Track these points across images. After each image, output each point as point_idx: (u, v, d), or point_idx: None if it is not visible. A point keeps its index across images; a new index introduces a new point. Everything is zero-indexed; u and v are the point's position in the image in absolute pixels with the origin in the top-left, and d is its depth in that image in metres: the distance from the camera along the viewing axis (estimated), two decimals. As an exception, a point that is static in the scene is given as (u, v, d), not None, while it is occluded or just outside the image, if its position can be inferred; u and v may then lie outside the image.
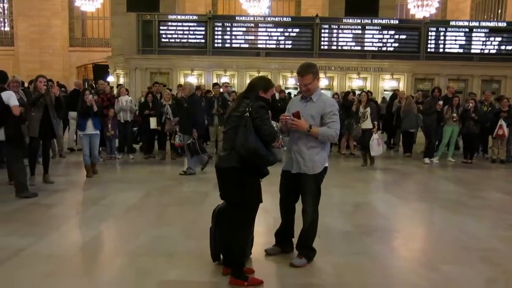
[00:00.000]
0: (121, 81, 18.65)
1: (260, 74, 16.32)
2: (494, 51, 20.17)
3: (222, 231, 3.71)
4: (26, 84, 8.51)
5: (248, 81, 19.16)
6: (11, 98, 6.19)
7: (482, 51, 20.16)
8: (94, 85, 13.12)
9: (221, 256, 3.83)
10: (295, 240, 4.14)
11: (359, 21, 19.76)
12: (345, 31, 19.85)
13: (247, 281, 3.50)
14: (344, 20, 19.78)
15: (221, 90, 10.63)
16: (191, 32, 19.56)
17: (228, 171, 3.45)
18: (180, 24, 19.49)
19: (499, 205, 6.71)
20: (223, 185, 3.59)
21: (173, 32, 19.52)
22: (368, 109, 9.31)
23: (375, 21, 19.94)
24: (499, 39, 20.17)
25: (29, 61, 27.68)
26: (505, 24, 20.91)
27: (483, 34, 20.21)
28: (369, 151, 9.16)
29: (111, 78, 19.71)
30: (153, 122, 9.73)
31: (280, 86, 13.85)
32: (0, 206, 5.77)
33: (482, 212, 6.15)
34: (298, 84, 4.13)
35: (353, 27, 19.80)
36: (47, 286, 3.46)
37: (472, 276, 3.81)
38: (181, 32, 19.56)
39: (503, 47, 20.18)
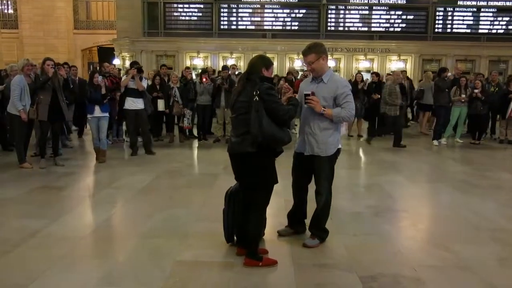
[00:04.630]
0: (127, 64, 18.60)
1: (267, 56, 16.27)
2: (501, 31, 19.97)
3: (237, 212, 3.74)
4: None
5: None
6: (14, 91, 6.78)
7: (489, 31, 19.97)
8: (98, 68, 13.08)
9: (235, 238, 3.88)
10: (307, 221, 4.18)
11: (366, 1, 19.56)
12: (352, 11, 19.67)
13: (262, 261, 3.54)
14: (351, 1, 19.58)
15: (229, 72, 10.57)
16: (197, 14, 19.43)
17: (243, 157, 3.46)
18: (186, 6, 19.36)
19: (508, 185, 6.71)
20: (239, 170, 3.60)
21: (178, 14, 19.40)
22: None
23: (382, 1, 19.73)
24: (507, 19, 19.96)
25: (34, 44, 27.56)
26: (513, 4, 20.65)
27: (491, 14, 20.01)
28: None
29: (116, 61, 19.68)
30: (161, 104, 9.71)
31: (294, 68, 13.70)
32: (12, 189, 5.84)
33: (491, 192, 6.17)
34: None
35: (360, 7, 19.63)
36: (63, 267, 3.51)
37: (484, 255, 3.84)
38: (186, 14, 19.44)
39: (510, 27, 19.96)
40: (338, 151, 3.95)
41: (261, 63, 3.57)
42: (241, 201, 3.70)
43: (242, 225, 3.67)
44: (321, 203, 3.93)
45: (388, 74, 11.11)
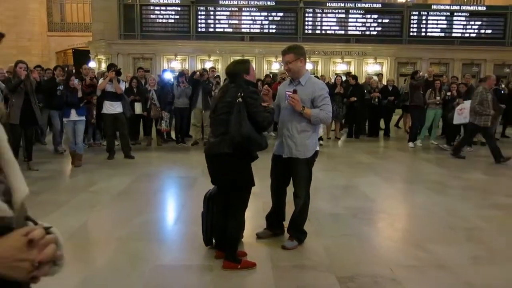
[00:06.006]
0: (103, 66, 18.36)
1: (242, 59, 16.27)
2: (474, 35, 20.44)
3: (215, 215, 3.74)
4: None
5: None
6: None
7: (462, 35, 20.41)
8: (74, 71, 12.85)
9: (213, 240, 3.87)
10: (285, 223, 4.19)
11: (342, 5, 19.78)
12: (329, 15, 19.87)
13: (240, 263, 3.54)
14: (327, 4, 19.77)
15: (209, 74, 10.55)
16: (174, 17, 19.33)
17: (220, 157, 3.46)
18: (163, 8, 19.23)
19: (481, 186, 6.87)
20: (216, 171, 3.59)
21: (155, 16, 19.26)
22: None
23: (359, 5, 20.00)
24: (479, 23, 20.44)
25: (5, 47, 26.79)
26: (484, 8, 21.19)
27: (463, 18, 20.45)
28: None
29: (92, 64, 19.40)
30: (138, 108, 9.62)
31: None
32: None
33: (465, 192, 6.32)
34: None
35: (336, 11, 19.82)
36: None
37: (459, 254, 3.92)
38: (163, 16, 19.31)
39: (482, 31, 20.47)
40: (316, 153, 3.99)
41: (241, 69, 3.61)
42: (220, 204, 3.70)
43: (221, 228, 3.66)
44: (300, 205, 3.96)
45: (481, 80, 10.07)
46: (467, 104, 9.57)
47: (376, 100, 11.87)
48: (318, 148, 4.02)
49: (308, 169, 3.95)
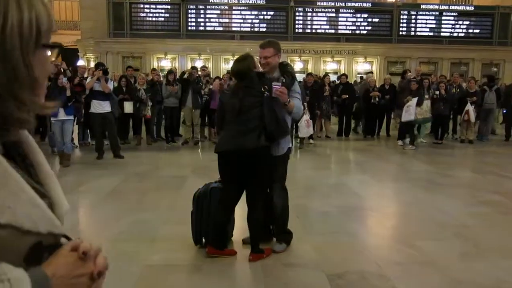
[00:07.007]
0: (92, 65, 18.22)
1: (234, 58, 16.23)
2: (462, 34, 20.64)
3: (216, 212, 3.71)
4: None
5: (222, 65, 19.10)
6: None
7: (451, 34, 20.59)
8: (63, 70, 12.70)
9: (203, 240, 3.86)
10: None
11: (332, 4, 19.84)
12: (319, 14, 19.91)
13: (264, 252, 3.70)
14: (318, 3, 19.82)
15: (199, 73, 10.52)
16: (164, 15, 19.24)
17: (256, 152, 3.46)
18: (152, 6, 19.14)
19: (469, 183, 6.95)
20: (248, 167, 3.51)
21: (145, 14, 19.16)
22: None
23: (349, 4, 20.06)
24: (467, 22, 20.64)
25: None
26: (472, 8, 21.40)
27: (452, 18, 20.63)
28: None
29: (81, 62, 19.23)
30: (128, 106, 9.50)
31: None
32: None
33: (454, 190, 6.37)
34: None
35: (327, 10, 19.88)
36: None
37: (447, 250, 3.96)
38: (153, 14, 19.22)
39: (470, 31, 20.67)
40: (289, 150, 3.95)
41: (248, 64, 3.59)
42: (228, 201, 3.69)
43: (220, 224, 3.66)
44: (279, 206, 3.86)
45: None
46: (414, 101, 9.64)
47: (377, 99, 11.82)
48: (290, 145, 4.01)
49: (282, 166, 3.87)
